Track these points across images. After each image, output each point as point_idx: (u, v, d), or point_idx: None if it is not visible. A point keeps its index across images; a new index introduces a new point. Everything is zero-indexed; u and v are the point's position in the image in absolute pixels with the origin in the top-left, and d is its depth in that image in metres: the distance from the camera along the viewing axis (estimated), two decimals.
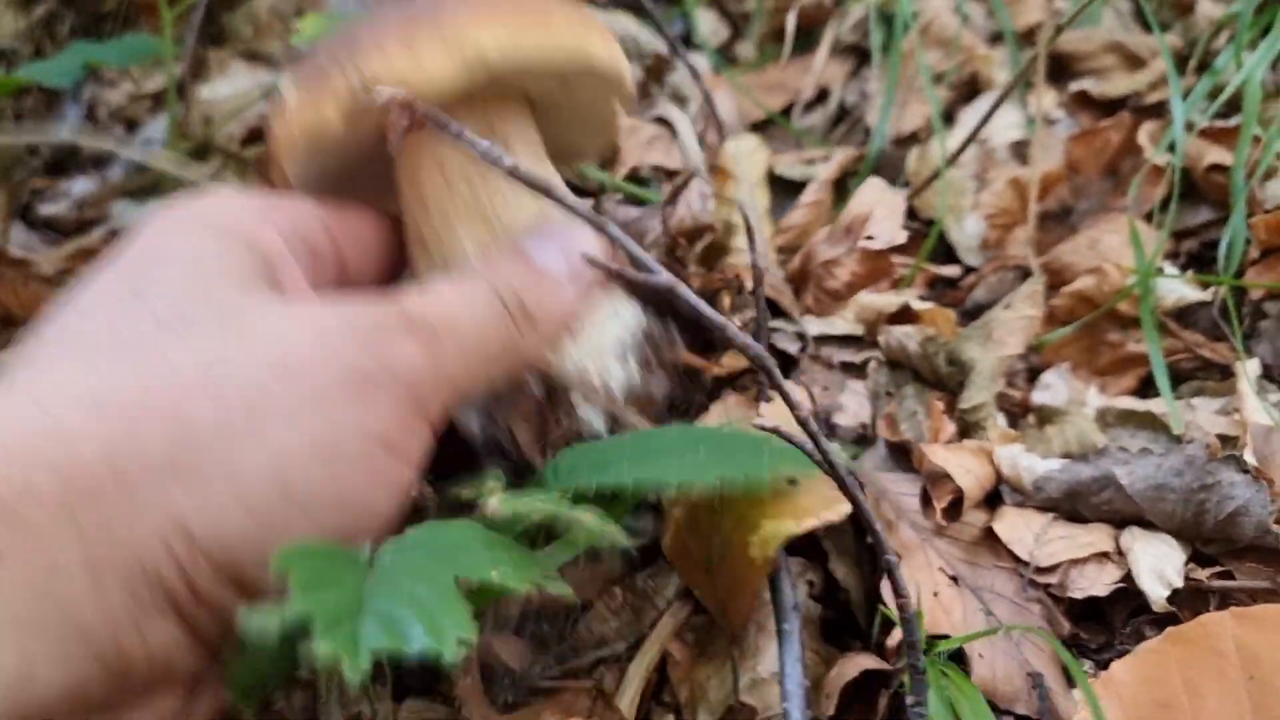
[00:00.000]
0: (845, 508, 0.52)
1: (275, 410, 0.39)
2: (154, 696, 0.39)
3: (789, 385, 0.46)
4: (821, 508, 0.53)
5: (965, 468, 0.64)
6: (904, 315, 0.75)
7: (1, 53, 1.36)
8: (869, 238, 0.64)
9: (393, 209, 0.58)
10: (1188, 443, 0.64)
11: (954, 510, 0.64)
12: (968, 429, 0.68)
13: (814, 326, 0.72)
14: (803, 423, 0.45)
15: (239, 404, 0.39)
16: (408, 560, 0.36)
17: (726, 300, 0.68)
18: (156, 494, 0.36)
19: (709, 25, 1.17)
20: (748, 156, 0.88)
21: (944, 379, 0.70)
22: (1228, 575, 0.63)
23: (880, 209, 0.65)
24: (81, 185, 1.23)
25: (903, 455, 0.67)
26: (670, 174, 0.89)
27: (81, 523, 0.35)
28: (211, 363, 0.40)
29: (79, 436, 0.36)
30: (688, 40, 1.17)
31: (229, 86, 1.26)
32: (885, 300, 0.75)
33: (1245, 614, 0.53)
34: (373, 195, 0.59)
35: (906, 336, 0.70)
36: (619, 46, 0.57)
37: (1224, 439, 0.69)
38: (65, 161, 1.28)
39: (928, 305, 0.74)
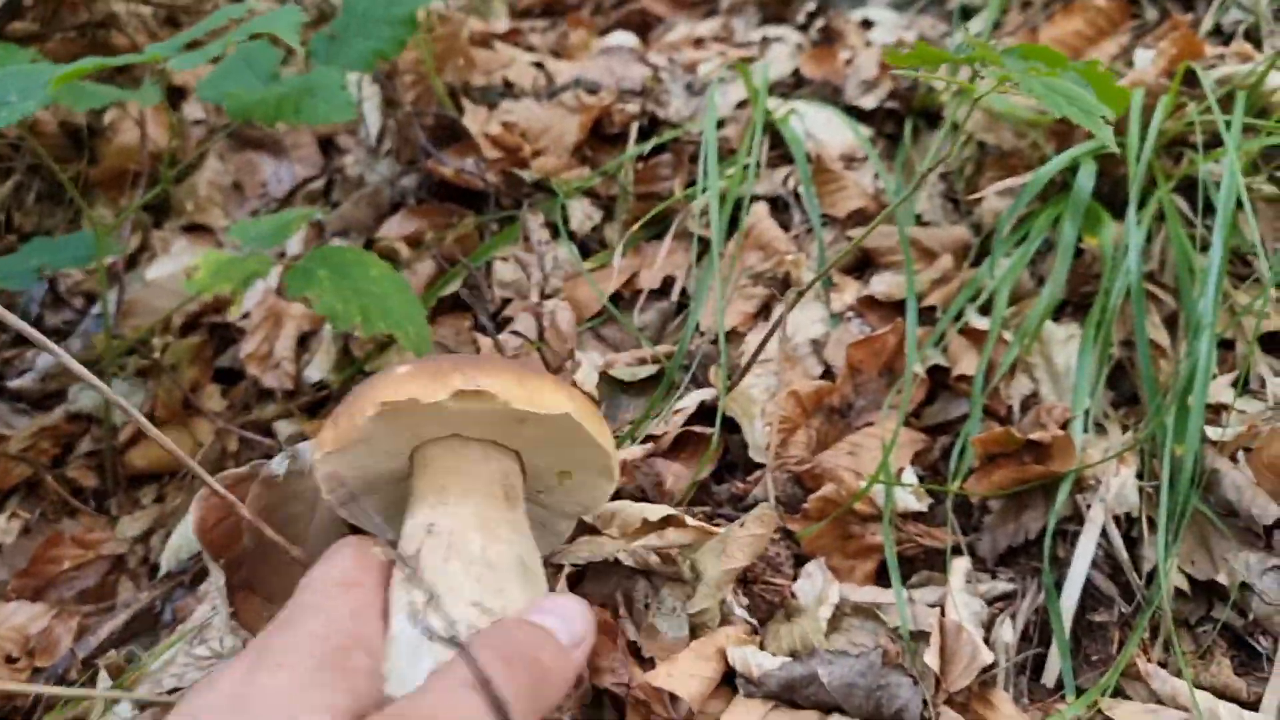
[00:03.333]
0: None
1: None
2: None
3: None
4: None
5: (689, 673, 0.81)
6: (669, 522, 0.91)
7: None
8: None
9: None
10: (873, 650, 0.81)
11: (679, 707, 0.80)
12: (696, 630, 0.85)
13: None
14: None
15: None
16: None
17: None
18: None
19: (581, 212, 1.35)
20: (586, 374, 1.06)
21: (689, 584, 0.87)
22: None
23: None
24: (45, 358, 1.41)
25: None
26: None
27: None
28: None
29: None
30: (565, 223, 1.34)
31: (173, 264, 1.45)
32: (657, 509, 0.92)
33: None
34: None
35: (651, 547, 0.88)
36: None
37: (923, 635, 0.86)
38: None
39: (691, 520, 0.91)
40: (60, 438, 1.32)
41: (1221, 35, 1.54)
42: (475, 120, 1.38)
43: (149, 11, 2.15)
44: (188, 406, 1.27)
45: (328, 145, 1.64)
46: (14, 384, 1.40)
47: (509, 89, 1.52)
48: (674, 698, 0.79)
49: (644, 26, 1.96)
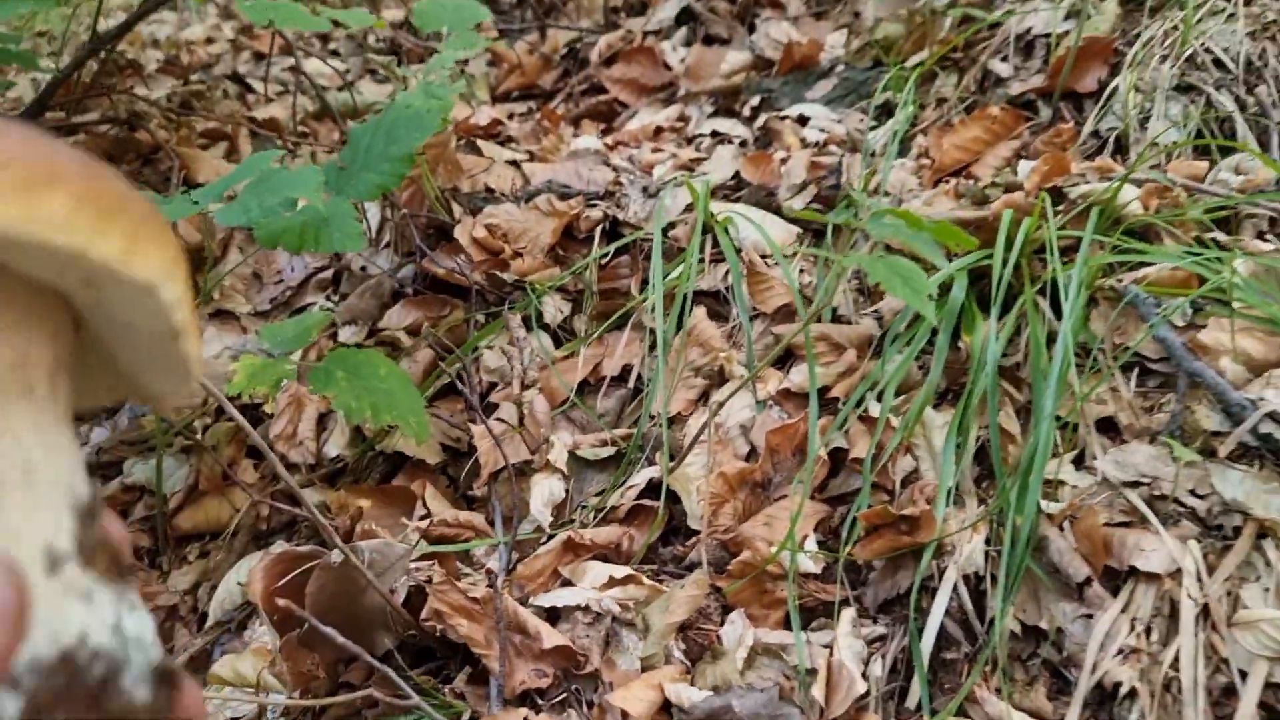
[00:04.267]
0: None
1: None
2: None
3: None
4: None
5: (640, 698, 1.07)
6: (629, 580, 1.18)
7: None
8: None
9: None
10: (773, 686, 1.07)
11: None
12: (646, 668, 1.11)
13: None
14: None
15: None
16: None
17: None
18: None
19: (554, 306, 1.60)
20: (558, 454, 1.32)
21: (640, 634, 1.13)
22: None
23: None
24: (99, 432, 1.66)
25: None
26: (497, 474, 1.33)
27: None
28: None
29: None
30: (540, 317, 1.60)
31: (205, 350, 1.69)
32: (620, 569, 1.18)
33: None
34: None
35: (611, 601, 1.14)
36: (171, 249, 0.38)
37: (815, 670, 1.12)
38: (82, 411, 1.72)
39: (646, 580, 1.17)
40: (117, 505, 1.57)
41: (1099, 137, 1.81)
42: (464, 230, 1.64)
43: (164, 95, 2.40)
44: (226, 479, 1.52)
45: None
46: None
47: (491, 193, 1.78)
48: (625, 713, 1.05)
49: (610, 114, 2.21)
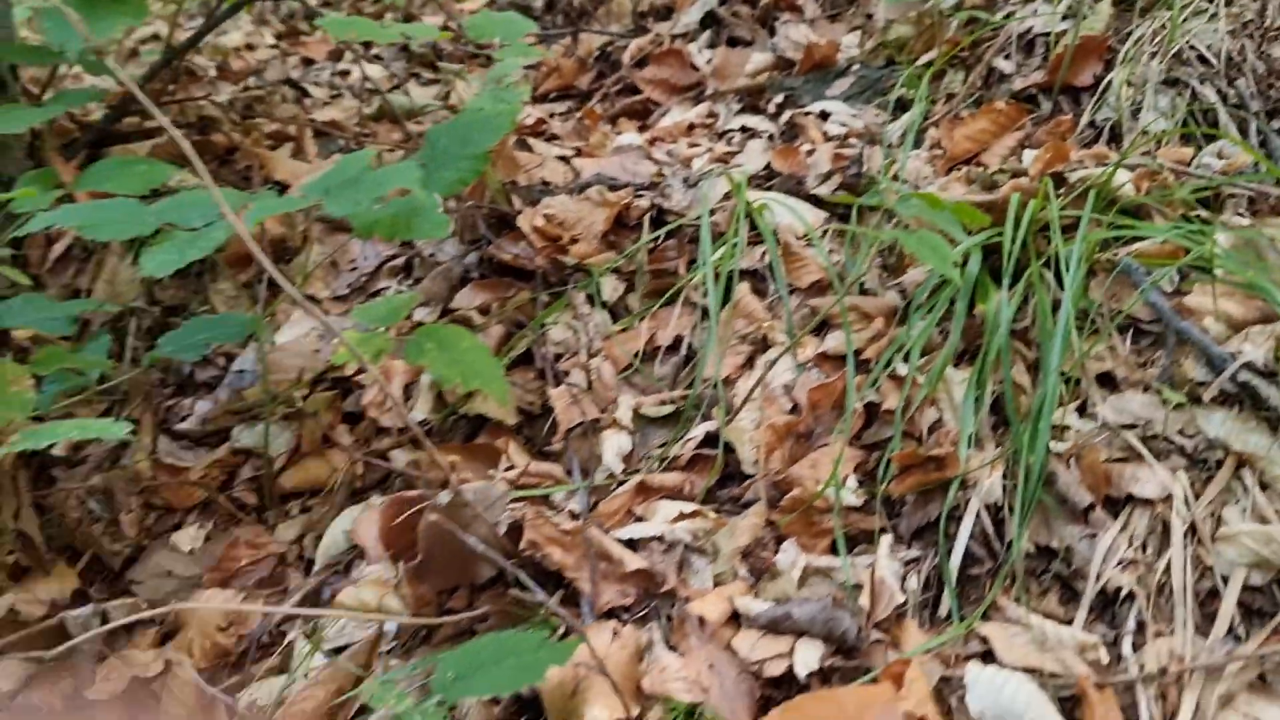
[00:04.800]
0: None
1: None
2: None
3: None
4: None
5: (714, 607, 1.26)
6: (696, 514, 1.37)
7: (131, 310, 1.98)
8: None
9: None
10: (826, 597, 1.26)
11: (705, 628, 1.26)
12: (719, 582, 1.30)
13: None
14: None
15: None
16: None
17: None
18: None
19: (610, 286, 1.79)
20: (624, 413, 1.51)
21: (709, 558, 1.33)
22: (854, 658, 1.25)
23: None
24: (202, 405, 1.85)
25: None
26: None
27: None
28: None
29: None
30: (599, 293, 1.79)
31: (294, 331, 1.88)
32: (687, 505, 1.37)
33: (789, 706, 1.15)
34: None
35: (684, 530, 1.33)
36: None
37: (860, 586, 1.31)
38: (185, 386, 1.91)
39: (712, 514, 1.36)
40: (226, 467, 1.75)
41: (1095, 127, 2.00)
42: (526, 220, 1.82)
43: (226, 100, 2.59)
44: (325, 441, 1.71)
45: None
46: (179, 427, 1.84)
47: (546, 186, 1.96)
48: (702, 619, 1.24)
49: (645, 113, 2.40)
